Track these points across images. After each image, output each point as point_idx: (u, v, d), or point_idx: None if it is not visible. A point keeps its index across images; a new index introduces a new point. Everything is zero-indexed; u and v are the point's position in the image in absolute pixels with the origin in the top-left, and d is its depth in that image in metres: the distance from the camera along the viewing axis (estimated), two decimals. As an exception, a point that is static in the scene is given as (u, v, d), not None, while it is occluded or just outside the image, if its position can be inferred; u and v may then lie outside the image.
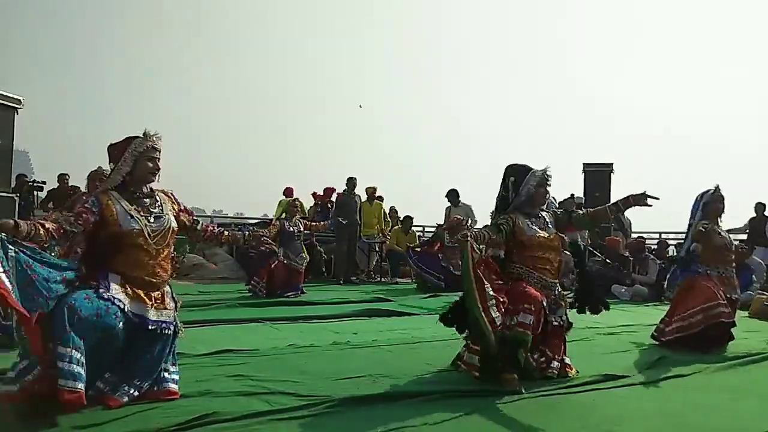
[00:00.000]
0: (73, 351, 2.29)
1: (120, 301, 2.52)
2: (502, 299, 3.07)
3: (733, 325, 4.34)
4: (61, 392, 2.24)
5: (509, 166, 3.48)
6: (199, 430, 2.27)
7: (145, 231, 2.64)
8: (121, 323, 2.51)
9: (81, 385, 2.29)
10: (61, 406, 2.27)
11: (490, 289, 3.04)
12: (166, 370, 2.72)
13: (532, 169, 3.41)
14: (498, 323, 2.99)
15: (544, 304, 3.19)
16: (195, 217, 3.00)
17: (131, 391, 2.55)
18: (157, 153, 2.75)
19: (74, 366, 2.28)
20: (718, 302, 4.23)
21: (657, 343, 4.40)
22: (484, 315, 2.93)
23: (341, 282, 9.23)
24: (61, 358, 2.27)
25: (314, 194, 11.09)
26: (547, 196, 3.46)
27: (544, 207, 3.48)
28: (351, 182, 9.64)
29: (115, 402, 2.47)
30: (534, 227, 3.34)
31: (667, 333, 4.38)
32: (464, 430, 2.44)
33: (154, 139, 2.75)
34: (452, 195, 9.79)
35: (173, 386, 2.70)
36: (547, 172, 3.41)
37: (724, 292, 4.32)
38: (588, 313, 3.51)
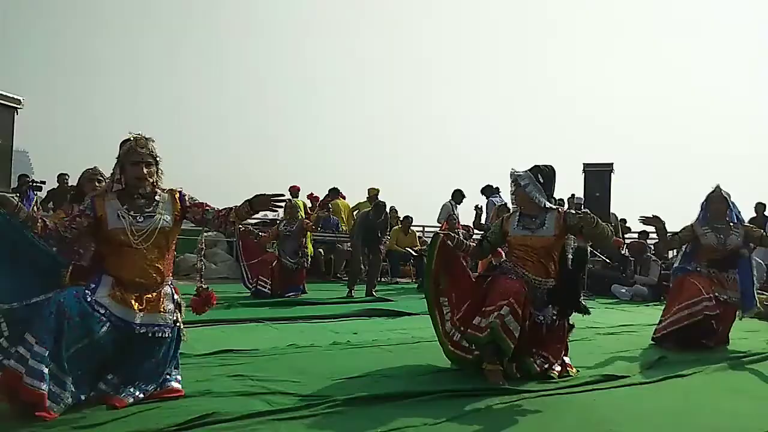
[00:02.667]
0: (47, 352, 2.27)
1: (101, 305, 2.49)
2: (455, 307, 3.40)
3: (717, 317, 4.30)
4: (25, 390, 2.23)
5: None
6: (199, 430, 2.27)
7: (129, 229, 2.61)
8: (105, 327, 2.48)
9: (45, 387, 2.25)
10: (25, 405, 2.25)
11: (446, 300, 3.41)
12: (168, 373, 2.72)
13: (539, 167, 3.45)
14: (449, 332, 3.35)
15: (524, 296, 3.17)
16: (208, 208, 2.85)
17: (136, 393, 2.55)
18: (144, 155, 2.68)
19: (43, 367, 2.26)
20: (702, 297, 4.25)
21: (654, 342, 4.43)
22: (438, 320, 3.40)
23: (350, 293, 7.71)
24: (34, 356, 2.26)
25: (310, 196, 11.09)
26: (527, 195, 3.36)
27: (541, 206, 3.37)
28: (378, 209, 8.01)
29: (120, 402, 2.47)
30: (519, 227, 3.38)
31: (659, 331, 4.44)
32: (464, 430, 2.44)
33: (140, 141, 2.69)
34: (457, 195, 9.79)
35: (176, 384, 2.70)
36: (514, 174, 3.43)
37: (713, 291, 4.33)
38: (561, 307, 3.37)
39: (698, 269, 4.48)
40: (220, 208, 2.85)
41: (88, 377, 2.49)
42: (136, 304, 2.61)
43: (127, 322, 2.57)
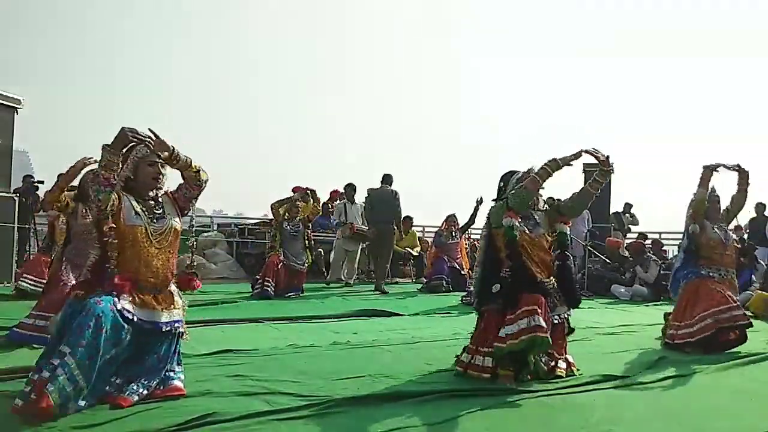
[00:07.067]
0: (76, 366, 2.30)
1: (129, 311, 2.53)
2: None
3: (749, 326, 4.28)
4: (45, 398, 2.22)
5: (502, 175, 3.58)
6: (199, 430, 2.27)
7: (148, 229, 2.65)
8: (129, 335, 2.54)
9: (82, 404, 2.33)
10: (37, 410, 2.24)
11: None
12: (172, 370, 2.73)
13: (516, 172, 3.50)
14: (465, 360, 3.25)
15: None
16: (182, 188, 2.87)
17: (140, 390, 2.56)
18: (160, 158, 2.74)
19: (67, 382, 2.28)
20: (730, 306, 4.19)
21: (668, 347, 4.31)
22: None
23: (380, 291, 8.10)
24: (62, 366, 2.28)
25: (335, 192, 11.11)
26: (536, 196, 3.41)
27: (534, 207, 3.45)
28: (387, 178, 8.61)
29: (125, 402, 2.47)
30: (522, 227, 3.35)
31: (678, 337, 4.30)
32: (464, 430, 2.43)
33: None
34: (349, 190, 9.36)
35: (179, 383, 2.71)
36: (530, 174, 3.41)
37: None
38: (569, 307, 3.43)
39: (710, 274, 4.40)
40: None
41: (102, 384, 2.50)
42: (155, 304, 2.66)
43: (154, 323, 2.64)
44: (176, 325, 2.73)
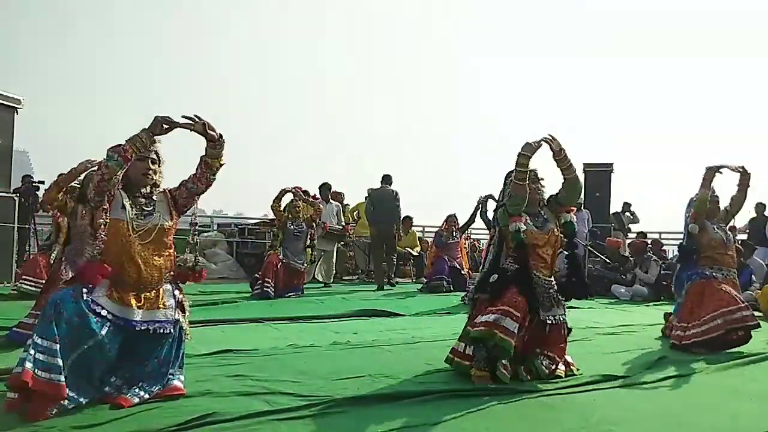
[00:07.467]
0: (54, 344, 2.30)
1: (98, 305, 2.49)
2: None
3: (756, 327, 4.25)
4: (38, 382, 2.25)
5: (505, 176, 3.52)
6: (199, 430, 2.27)
7: (130, 224, 2.61)
8: (106, 328, 2.48)
9: (61, 378, 2.29)
10: (43, 398, 2.27)
11: None
12: (172, 373, 2.71)
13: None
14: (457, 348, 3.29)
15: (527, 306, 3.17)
16: (185, 182, 2.83)
17: (141, 394, 2.55)
18: (150, 153, 2.71)
19: (56, 359, 2.29)
20: (739, 306, 4.18)
21: (675, 348, 4.29)
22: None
23: (388, 283, 8.98)
24: (39, 349, 2.28)
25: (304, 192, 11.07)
26: (538, 192, 3.42)
27: (540, 204, 3.44)
28: (387, 178, 9.10)
29: (126, 402, 2.47)
30: (530, 224, 3.35)
31: (686, 338, 4.28)
32: (464, 430, 2.44)
33: None
34: (324, 189, 9.28)
35: (179, 383, 2.70)
36: (535, 171, 3.39)
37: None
38: (574, 298, 3.46)
39: (714, 274, 4.39)
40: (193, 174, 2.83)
41: (94, 381, 2.49)
42: (134, 301, 2.60)
43: (127, 320, 2.56)
44: (155, 325, 2.62)
